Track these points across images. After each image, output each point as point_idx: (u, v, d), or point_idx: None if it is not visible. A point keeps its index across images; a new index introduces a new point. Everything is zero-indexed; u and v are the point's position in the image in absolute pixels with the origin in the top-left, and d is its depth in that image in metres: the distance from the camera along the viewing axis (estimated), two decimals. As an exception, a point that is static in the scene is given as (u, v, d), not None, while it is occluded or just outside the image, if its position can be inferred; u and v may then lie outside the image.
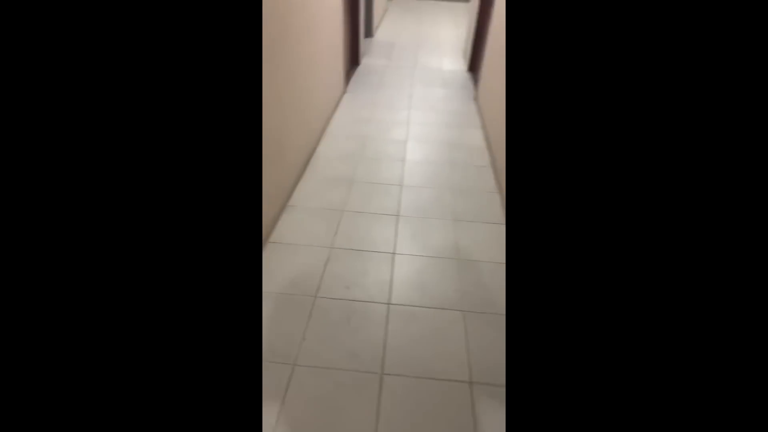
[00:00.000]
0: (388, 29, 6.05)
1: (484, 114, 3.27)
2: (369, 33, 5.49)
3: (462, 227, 2.19)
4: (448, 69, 4.56)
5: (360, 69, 4.40)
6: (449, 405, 1.36)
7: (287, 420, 1.30)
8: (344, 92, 3.75)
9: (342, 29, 3.39)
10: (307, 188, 2.45)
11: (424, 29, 6.20)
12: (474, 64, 4.42)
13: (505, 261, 1.99)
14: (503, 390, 1.42)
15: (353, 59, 4.42)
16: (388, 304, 1.72)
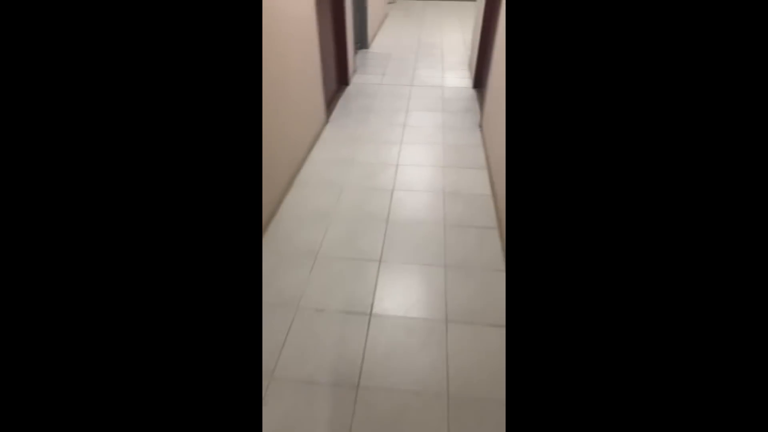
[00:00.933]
0: (387, 37, 5.48)
1: (489, 148, 2.69)
2: (363, 44, 4.94)
3: (461, 336, 1.63)
4: (451, 86, 3.97)
5: (349, 90, 3.85)
6: None
7: None
8: (326, 123, 3.21)
9: (318, 52, 2.84)
10: (263, 267, 1.92)
11: (426, 35, 5.60)
12: (480, 79, 3.82)
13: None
14: None
15: (341, 79, 3.88)
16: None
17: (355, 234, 2.12)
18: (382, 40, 5.35)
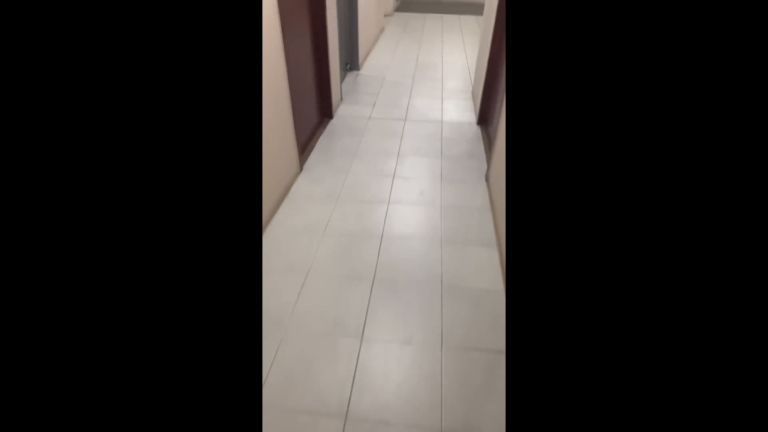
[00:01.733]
0: (381, 55, 4.93)
1: (498, 213, 2.11)
2: (354, 65, 4.38)
3: None
4: (452, 120, 3.40)
5: (333, 125, 3.28)
6: None
7: None
8: (298, 172, 2.63)
9: (285, 83, 2.27)
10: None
11: (425, 53, 5.05)
12: (486, 115, 3.26)
13: None
14: None
15: (324, 111, 3.31)
16: None
17: (309, 365, 1.54)
18: (375, 60, 4.79)
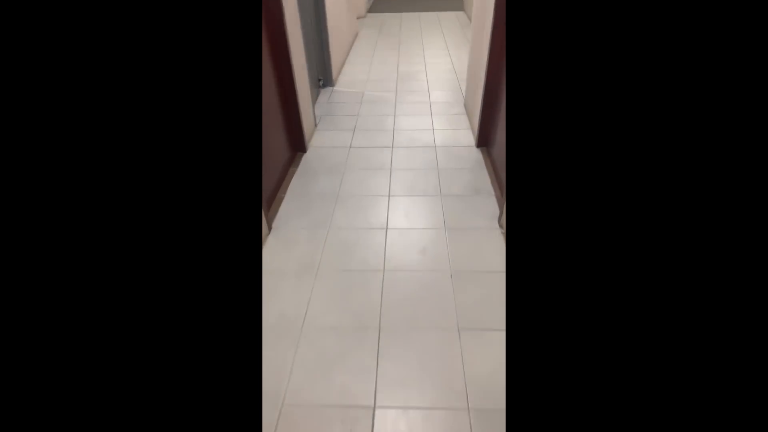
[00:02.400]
0: (358, 66, 4.39)
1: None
2: (327, 81, 3.84)
3: None
4: (447, 144, 2.89)
5: (306, 160, 2.74)
6: None
7: None
8: (266, 234, 2.09)
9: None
10: None
11: (406, 59, 4.52)
12: (488, 134, 2.75)
13: None
14: None
15: (295, 144, 2.77)
16: None
17: None
18: (351, 72, 4.25)
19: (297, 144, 2.79)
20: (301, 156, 2.78)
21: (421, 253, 1.95)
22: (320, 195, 2.39)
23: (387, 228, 2.12)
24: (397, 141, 2.93)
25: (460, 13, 6.72)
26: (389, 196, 2.36)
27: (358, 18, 6.43)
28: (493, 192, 2.36)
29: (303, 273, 1.86)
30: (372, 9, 7.23)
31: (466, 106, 3.34)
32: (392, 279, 1.82)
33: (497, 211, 2.20)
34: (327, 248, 1.99)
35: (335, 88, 3.85)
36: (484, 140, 2.80)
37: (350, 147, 2.88)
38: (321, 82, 3.75)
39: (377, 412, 1.33)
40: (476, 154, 2.75)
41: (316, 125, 3.14)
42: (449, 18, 6.44)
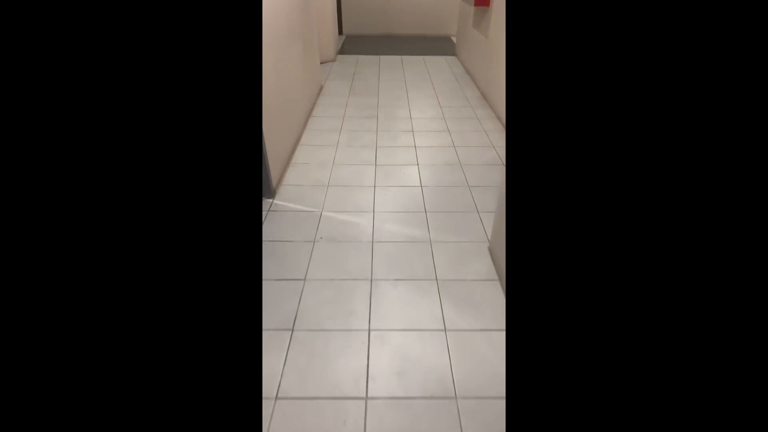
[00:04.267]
0: (316, 150, 2.97)
1: None
2: (267, 191, 2.39)
3: None
4: (478, 377, 1.46)
5: None
6: None
7: None
8: None
9: None
10: None
11: (389, 139, 3.15)
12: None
13: None
14: None
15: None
16: None
17: None
18: (304, 169, 2.81)
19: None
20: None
21: None
22: None
23: None
24: (380, 370, 1.48)
25: (451, 59, 5.47)
26: None
27: (324, 62, 5.05)
28: None
29: None
30: (344, 50, 5.89)
31: (492, 253, 1.94)
32: None
33: None
34: None
35: (275, 201, 2.39)
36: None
37: (278, 395, 1.40)
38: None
39: None
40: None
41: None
42: (439, 65, 5.15)
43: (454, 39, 6.49)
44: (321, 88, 4.21)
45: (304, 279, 1.82)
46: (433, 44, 6.25)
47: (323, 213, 2.29)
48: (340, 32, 6.79)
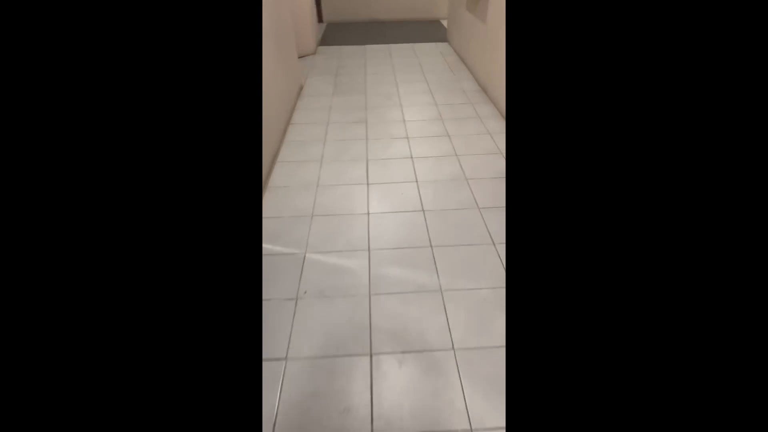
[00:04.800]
0: (297, 169, 2.54)
1: None
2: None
3: None
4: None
5: None
6: None
7: None
8: None
9: None
10: None
11: (381, 148, 2.72)
12: None
13: None
14: None
15: None
16: None
17: None
18: (284, 192, 2.39)
19: None
20: None
21: None
22: None
23: None
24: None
25: (443, 45, 5.00)
26: None
27: (303, 56, 4.56)
28: None
29: None
30: (325, 40, 5.37)
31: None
32: None
33: None
34: None
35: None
36: None
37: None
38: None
39: None
40: None
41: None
42: (430, 54, 4.69)
43: (444, 23, 5.99)
44: (301, 88, 3.74)
45: (285, 358, 1.43)
46: (422, 29, 5.75)
47: (307, 255, 1.88)
48: (320, 20, 6.25)
